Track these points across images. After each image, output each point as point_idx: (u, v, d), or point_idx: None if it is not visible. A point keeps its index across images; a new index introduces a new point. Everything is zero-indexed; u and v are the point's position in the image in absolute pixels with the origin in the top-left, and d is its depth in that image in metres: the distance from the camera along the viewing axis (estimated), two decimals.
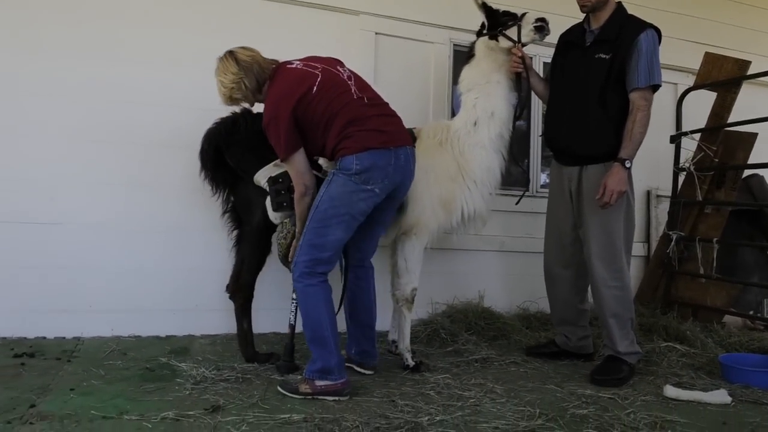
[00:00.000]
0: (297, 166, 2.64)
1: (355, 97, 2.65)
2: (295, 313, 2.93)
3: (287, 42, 3.66)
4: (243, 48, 2.72)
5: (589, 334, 3.38)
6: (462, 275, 4.10)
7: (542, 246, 3.46)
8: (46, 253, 3.34)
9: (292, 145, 2.60)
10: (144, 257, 3.49)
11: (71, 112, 3.40)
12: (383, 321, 3.54)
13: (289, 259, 2.78)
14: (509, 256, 4.24)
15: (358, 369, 2.96)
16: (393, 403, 2.53)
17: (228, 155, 2.98)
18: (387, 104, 2.80)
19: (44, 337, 3.32)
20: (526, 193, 3.58)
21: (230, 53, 2.70)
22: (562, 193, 3.27)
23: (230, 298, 3.09)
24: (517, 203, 3.46)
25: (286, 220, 2.84)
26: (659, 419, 2.44)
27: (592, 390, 2.82)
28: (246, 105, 2.84)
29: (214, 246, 3.43)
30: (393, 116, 2.77)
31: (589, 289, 3.25)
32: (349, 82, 2.70)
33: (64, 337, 3.34)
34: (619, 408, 2.57)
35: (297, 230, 2.74)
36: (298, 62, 2.71)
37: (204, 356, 3.08)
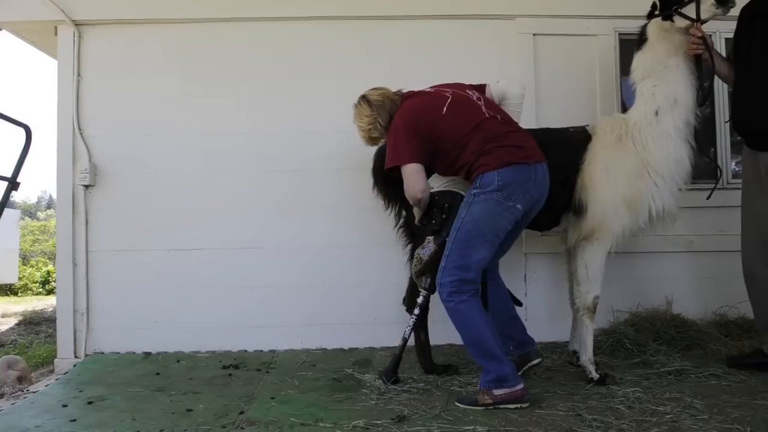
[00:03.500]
0: (411, 175, 2.68)
1: (487, 116, 2.69)
2: (411, 329, 2.99)
3: (446, 56, 3.82)
4: (373, 89, 2.92)
5: None
6: (645, 280, 3.85)
7: (738, 243, 3.14)
8: (243, 275, 3.77)
9: (412, 157, 2.66)
10: (327, 275, 3.78)
11: (254, 148, 3.82)
12: (562, 332, 3.46)
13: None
14: (699, 257, 3.89)
15: (528, 366, 2.93)
16: (580, 417, 2.45)
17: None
18: (518, 123, 2.82)
19: (245, 350, 3.72)
20: (717, 186, 3.27)
21: (362, 98, 2.91)
22: (759, 182, 2.97)
23: (407, 311, 3.20)
24: (708, 198, 3.19)
25: (430, 237, 2.89)
26: None
27: None
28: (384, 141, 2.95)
29: (389, 261, 3.60)
30: (526, 133, 2.78)
31: None
32: (479, 103, 2.75)
33: (261, 350, 3.72)
34: None
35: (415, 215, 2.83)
36: (428, 88, 2.85)
37: (385, 368, 3.23)
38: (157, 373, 3.29)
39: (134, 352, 3.70)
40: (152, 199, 3.79)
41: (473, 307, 2.62)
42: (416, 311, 2.99)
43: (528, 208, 2.68)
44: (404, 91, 2.92)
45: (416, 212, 2.94)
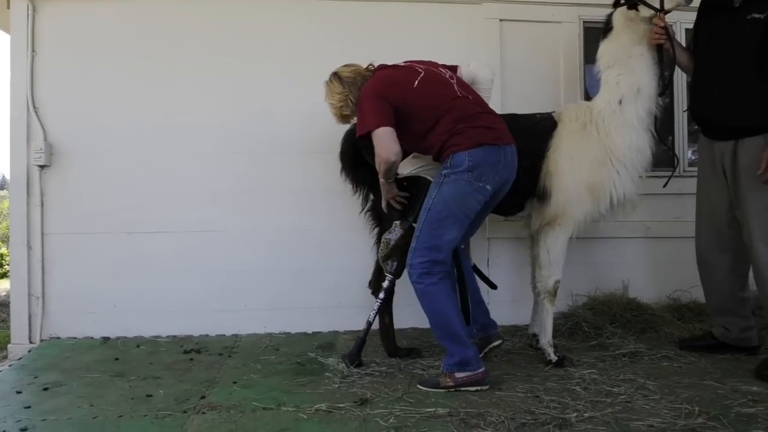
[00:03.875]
0: (381, 137, 2.63)
1: (459, 94, 2.71)
2: (376, 312, 3.01)
3: (413, 40, 3.80)
4: (345, 66, 2.89)
5: (753, 324, 3.12)
6: (603, 265, 3.94)
7: (693, 230, 3.24)
8: (206, 259, 3.72)
9: (379, 121, 2.62)
10: (292, 258, 3.75)
11: (220, 130, 3.75)
12: (524, 315, 3.53)
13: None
14: (655, 243, 4.00)
15: (489, 348, 2.99)
16: (538, 398, 2.52)
17: (367, 153, 3.08)
18: (487, 105, 2.84)
19: (207, 335, 3.69)
20: (674, 174, 3.36)
21: (333, 75, 2.88)
22: (714, 170, 3.05)
23: (373, 294, 3.22)
24: (665, 185, 3.27)
25: (397, 222, 2.91)
26: None
27: (759, 387, 2.62)
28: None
29: (356, 244, 3.60)
30: (497, 115, 2.82)
31: (751, 274, 3.00)
32: (451, 81, 2.76)
33: (224, 335, 3.69)
34: None
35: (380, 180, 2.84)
36: (401, 63, 2.84)
37: (349, 351, 3.25)
38: (116, 359, 3.24)
39: (92, 337, 3.62)
40: (111, 180, 3.68)
41: (442, 290, 2.65)
42: (381, 295, 3.01)
43: (496, 189, 2.71)
44: (376, 65, 2.90)
45: (384, 197, 2.95)
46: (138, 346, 3.47)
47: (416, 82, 2.69)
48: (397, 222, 2.91)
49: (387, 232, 2.97)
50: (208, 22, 3.76)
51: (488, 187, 2.64)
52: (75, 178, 3.67)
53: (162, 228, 3.71)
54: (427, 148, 2.74)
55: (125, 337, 3.62)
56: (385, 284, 3.01)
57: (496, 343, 3.01)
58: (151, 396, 2.66)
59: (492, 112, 2.80)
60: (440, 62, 2.92)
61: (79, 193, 3.67)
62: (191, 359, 3.23)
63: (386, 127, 2.63)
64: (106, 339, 3.60)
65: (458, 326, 2.64)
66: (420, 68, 2.78)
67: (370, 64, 2.91)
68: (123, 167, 3.69)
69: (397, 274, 2.97)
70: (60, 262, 3.65)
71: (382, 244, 2.98)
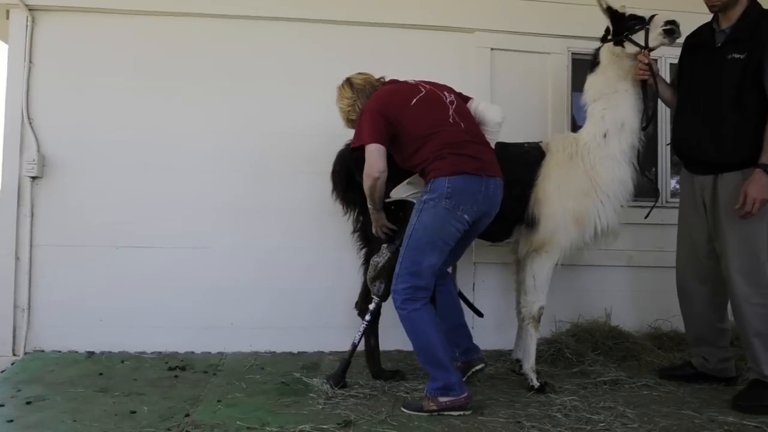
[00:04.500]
0: (371, 155, 2.72)
1: (451, 120, 2.77)
2: (362, 334, 3.05)
3: (405, 65, 3.80)
4: (358, 73, 3.02)
5: (730, 356, 3.19)
6: (587, 292, 4.02)
7: (674, 260, 3.32)
8: (193, 275, 3.74)
9: (373, 137, 2.71)
10: (279, 277, 3.78)
11: (212, 146, 3.80)
12: (508, 340, 3.58)
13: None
14: (638, 272, 4.08)
15: (471, 372, 3.02)
16: (519, 424, 2.56)
17: (359, 175, 3.12)
18: (483, 135, 2.88)
19: (193, 352, 3.69)
20: (656, 204, 3.45)
21: (346, 80, 3.01)
22: (694, 203, 3.14)
23: (359, 315, 3.25)
24: (647, 216, 3.37)
25: (385, 245, 2.98)
26: None
27: (735, 417, 2.68)
28: None
29: (343, 265, 3.64)
30: (488, 146, 2.86)
31: (729, 306, 3.08)
32: (449, 106, 2.82)
33: (209, 352, 3.70)
34: None
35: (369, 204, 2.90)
36: (409, 80, 2.92)
37: (333, 372, 3.27)
38: (100, 374, 3.24)
39: (77, 351, 3.62)
40: (103, 193, 3.71)
41: (425, 317, 2.69)
42: (367, 317, 3.05)
43: (475, 220, 2.75)
44: (387, 79, 3.01)
45: (374, 221, 3.00)
46: (123, 362, 3.46)
47: (414, 100, 2.77)
48: (385, 245, 2.97)
49: (375, 255, 3.01)
50: (205, 39, 3.83)
51: (466, 216, 2.69)
52: (66, 190, 3.69)
53: (151, 243, 3.73)
54: (415, 167, 2.81)
55: (110, 352, 3.61)
56: (372, 306, 3.05)
57: (478, 367, 3.05)
58: (135, 412, 2.67)
59: (483, 143, 2.84)
60: (456, 89, 2.97)
61: (70, 205, 3.69)
62: (176, 376, 3.23)
63: (378, 145, 2.71)
64: (90, 353, 3.60)
65: (441, 352, 2.68)
66: (424, 87, 2.86)
67: (382, 77, 3.02)
68: (115, 181, 3.73)
69: (383, 297, 3.01)
70: (47, 274, 3.66)
71: (370, 267, 3.03)
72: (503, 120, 3.01)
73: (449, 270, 3.19)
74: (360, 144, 2.76)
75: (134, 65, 3.78)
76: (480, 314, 3.22)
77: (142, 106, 3.76)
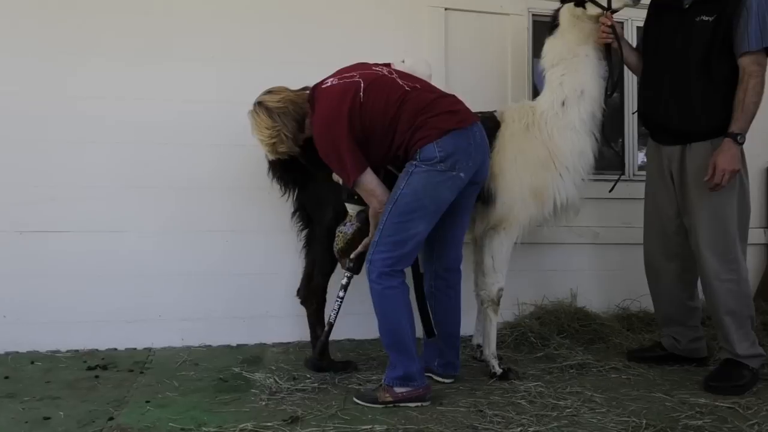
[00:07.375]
0: (368, 186, 2.72)
1: (407, 88, 2.74)
2: (337, 312, 2.99)
3: (353, 28, 3.82)
4: (269, 93, 2.79)
5: (701, 335, 3.32)
6: (551, 272, 4.10)
7: (642, 236, 3.42)
8: (114, 263, 3.60)
9: (358, 167, 2.67)
10: (213, 263, 3.69)
11: (134, 117, 3.65)
12: (467, 325, 3.61)
13: (351, 257, 2.92)
14: (604, 249, 4.19)
15: (438, 378, 3.03)
16: (481, 413, 2.60)
17: (300, 153, 3.09)
18: (439, 88, 2.89)
19: (115, 349, 3.58)
20: (622, 177, 3.54)
21: (259, 105, 2.76)
22: (661, 175, 3.23)
23: (302, 303, 3.23)
24: (611, 190, 3.44)
25: (353, 213, 2.94)
26: None
27: (707, 399, 2.79)
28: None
29: (281, 248, 3.59)
30: (453, 96, 2.86)
31: (699, 283, 3.20)
32: (392, 77, 2.79)
33: (135, 348, 3.60)
34: (741, 419, 2.54)
35: (370, 235, 2.83)
36: (331, 79, 2.81)
37: (277, 365, 3.25)
38: (6, 377, 3.10)
39: None
40: (1, 169, 3.52)
41: (399, 298, 2.68)
42: (341, 293, 2.99)
43: (473, 175, 2.75)
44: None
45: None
46: (32, 363, 3.33)
47: (361, 96, 2.68)
48: (353, 214, 2.93)
49: (341, 224, 2.98)
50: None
51: (462, 174, 2.69)
52: None
53: (61, 227, 3.56)
54: (395, 153, 2.74)
55: (17, 353, 3.47)
56: (344, 281, 2.98)
57: (447, 381, 3.03)
58: (49, 419, 2.56)
59: (447, 94, 2.84)
60: (371, 61, 2.93)
61: None
62: (96, 376, 3.13)
63: (366, 171, 2.68)
64: None
65: (408, 338, 2.69)
66: (356, 78, 2.74)
67: (304, 87, 2.88)
68: (17, 156, 3.53)
69: (356, 271, 2.96)
70: None
71: (336, 238, 2.98)
72: (432, 72, 3.06)
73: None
74: (353, 180, 2.69)
75: (39, 24, 3.55)
76: (432, 334, 2.96)
77: (47, 70, 3.56)
